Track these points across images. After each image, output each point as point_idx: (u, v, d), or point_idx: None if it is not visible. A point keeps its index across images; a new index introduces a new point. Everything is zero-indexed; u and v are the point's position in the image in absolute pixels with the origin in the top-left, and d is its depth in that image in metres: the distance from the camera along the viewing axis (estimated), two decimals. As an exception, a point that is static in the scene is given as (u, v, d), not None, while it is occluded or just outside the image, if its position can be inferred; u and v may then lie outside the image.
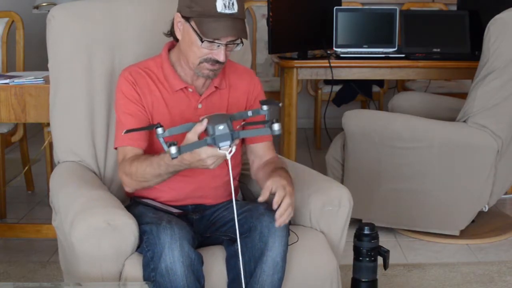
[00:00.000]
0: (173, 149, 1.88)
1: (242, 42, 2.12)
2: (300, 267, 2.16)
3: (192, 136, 1.93)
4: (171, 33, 2.22)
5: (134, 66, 2.25)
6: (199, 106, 2.22)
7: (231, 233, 2.15)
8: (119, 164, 2.19)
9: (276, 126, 1.90)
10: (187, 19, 2.09)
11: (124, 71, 2.24)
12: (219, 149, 1.90)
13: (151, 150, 2.20)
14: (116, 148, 2.24)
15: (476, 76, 3.23)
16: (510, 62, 3.12)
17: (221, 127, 1.89)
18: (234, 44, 2.10)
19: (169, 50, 2.25)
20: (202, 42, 2.06)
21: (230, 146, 1.89)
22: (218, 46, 2.07)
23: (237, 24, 2.05)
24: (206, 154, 1.92)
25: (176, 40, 2.20)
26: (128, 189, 2.19)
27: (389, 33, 3.81)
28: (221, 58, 2.09)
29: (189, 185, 2.25)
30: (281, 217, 2.03)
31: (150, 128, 2.05)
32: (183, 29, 2.13)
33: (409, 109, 3.64)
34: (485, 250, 3.32)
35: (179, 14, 2.12)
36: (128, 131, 2.05)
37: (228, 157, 1.91)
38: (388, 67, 3.76)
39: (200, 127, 1.92)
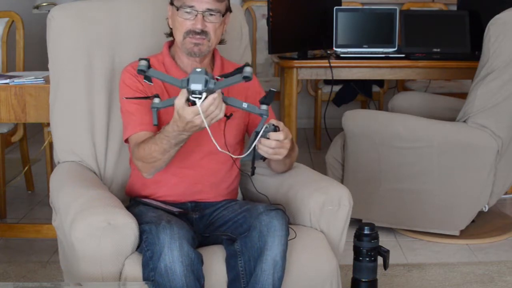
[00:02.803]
0: (156, 99, 1.92)
1: (224, 14, 2.19)
2: (300, 266, 2.16)
3: (178, 101, 1.94)
4: (171, 31, 2.28)
5: (135, 62, 2.28)
6: None
7: (231, 233, 2.16)
8: (132, 152, 2.21)
9: (247, 69, 1.87)
10: (171, 3, 2.22)
11: (126, 67, 2.29)
12: (191, 94, 1.87)
13: None
14: (126, 141, 2.25)
15: (476, 76, 3.23)
16: (510, 62, 3.12)
17: (198, 69, 1.87)
18: (212, 15, 2.16)
19: (170, 47, 2.31)
20: (178, 10, 2.15)
21: (202, 91, 1.86)
22: (196, 15, 2.15)
23: None
24: (190, 115, 1.92)
25: (172, 36, 2.28)
26: (145, 174, 2.20)
27: (389, 33, 3.81)
28: (198, 25, 2.15)
29: (187, 179, 2.25)
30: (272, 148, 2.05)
31: (148, 97, 2.04)
32: (171, 15, 2.24)
33: (409, 109, 3.64)
34: (485, 250, 3.32)
35: (168, 5, 2.24)
36: (127, 98, 2.12)
37: (198, 103, 1.88)
38: (388, 67, 3.76)
39: (183, 93, 1.91)
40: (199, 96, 1.87)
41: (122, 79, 2.27)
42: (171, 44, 2.31)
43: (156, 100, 1.97)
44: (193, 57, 2.23)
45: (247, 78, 1.91)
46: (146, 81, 2.04)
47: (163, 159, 2.13)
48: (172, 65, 2.27)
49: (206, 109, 1.92)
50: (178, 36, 2.21)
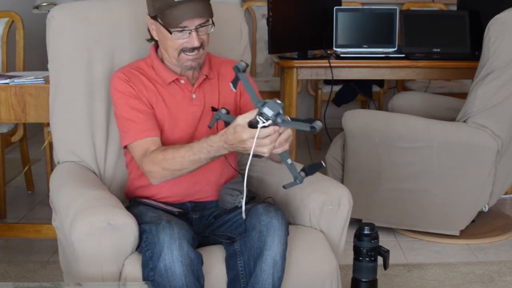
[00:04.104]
0: (224, 110, 1.99)
1: (213, 23, 2.17)
2: (300, 266, 2.16)
3: (243, 118, 1.94)
4: (152, 37, 2.28)
5: (125, 67, 2.31)
6: (193, 96, 2.27)
7: (230, 233, 2.16)
8: (141, 157, 2.16)
9: (319, 123, 1.90)
10: (154, 18, 2.18)
11: (116, 72, 2.28)
12: (259, 115, 1.90)
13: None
14: (125, 147, 2.24)
15: (476, 76, 3.23)
16: (510, 62, 3.12)
17: (279, 101, 1.91)
18: (204, 27, 2.15)
19: (156, 49, 2.31)
20: (171, 33, 2.13)
21: (269, 117, 1.89)
22: (189, 33, 2.13)
23: (196, 5, 2.11)
24: (247, 135, 1.92)
25: (157, 42, 2.26)
26: (155, 180, 2.16)
27: (389, 33, 3.81)
28: (195, 43, 2.14)
29: (187, 180, 2.24)
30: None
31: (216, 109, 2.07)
32: (155, 29, 2.21)
33: (409, 109, 3.64)
34: (485, 250, 3.32)
35: (148, 16, 2.21)
36: (215, 109, 2.17)
37: (260, 125, 1.90)
38: (388, 67, 3.76)
39: (252, 113, 1.93)
40: (264, 121, 1.90)
41: (113, 85, 2.25)
42: (157, 46, 2.30)
43: (224, 111, 2.01)
44: (191, 70, 2.23)
45: (313, 129, 1.91)
46: (231, 86, 2.05)
47: (189, 168, 2.09)
48: (162, 68, 2.26)
49: (263, 136, 1.91)
50: (171, 52, 2.18)
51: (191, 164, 2.08)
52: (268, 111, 1.89)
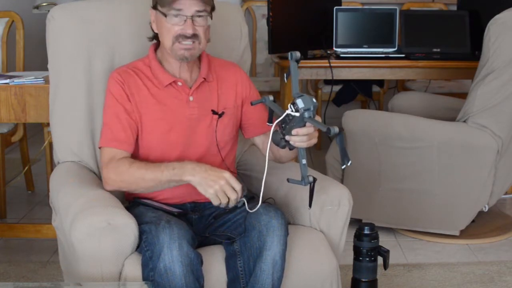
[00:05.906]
0: (271, 97, 2.07)
1: (211, 15, 2.18)
2: (300, 266, 2.16)
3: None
4: (154, 35, 2.28)
5: (122, 67, 2.30)
6: (191, 98, 2.25)
7: (230, 233, 2.16)
8: (105, 163, 2.18)
9: (336, 129, 1.95)
10: (155, 8, 2.20)
11: (113, 72, 2.27)
12: (292, 104, 1.96)
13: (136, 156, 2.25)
14: (99, 148, 2.25)
15: (476, 76, 3.23)
16: (510, 62, 3.12)
17: (314, 100, 1.98)
18: (201, 17, 2.15)
19: (155, 50, 2.30)
20: (166, 16, 2.13)
21: (299, 108, 1.94)
22: (185, 20, 2.13)
23: None
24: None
25: (158, 40, 2.27)
26: (109, 188, 2.18)
27: (389, 33, 3.81)
28: (188, 30, 2.14)
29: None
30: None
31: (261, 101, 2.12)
32: (155, 20, 2.22)
33: (409, 109, 3.64)
34: (485, 250, 3.32)
35: (151, 10, 2.23)
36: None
37: (288, 111, 1.96)
38: (388, 67, 3.76)
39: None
40: (293, 110, 1.97)
41: (108, 85, 2.25)
42: (156, 47, 2.30)
43: (271, 97, 2.07)
44: (184, 61, 2.22)
45: (328, 131, 1.94)
46: (285, 74, 2.07)
47: (146, 185, 2.13)
48: (159, 70, 2.25)
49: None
50: (167, 42, 2.18)
51: (150, 181, 2.10)
52: (300, 103, 1.95)
